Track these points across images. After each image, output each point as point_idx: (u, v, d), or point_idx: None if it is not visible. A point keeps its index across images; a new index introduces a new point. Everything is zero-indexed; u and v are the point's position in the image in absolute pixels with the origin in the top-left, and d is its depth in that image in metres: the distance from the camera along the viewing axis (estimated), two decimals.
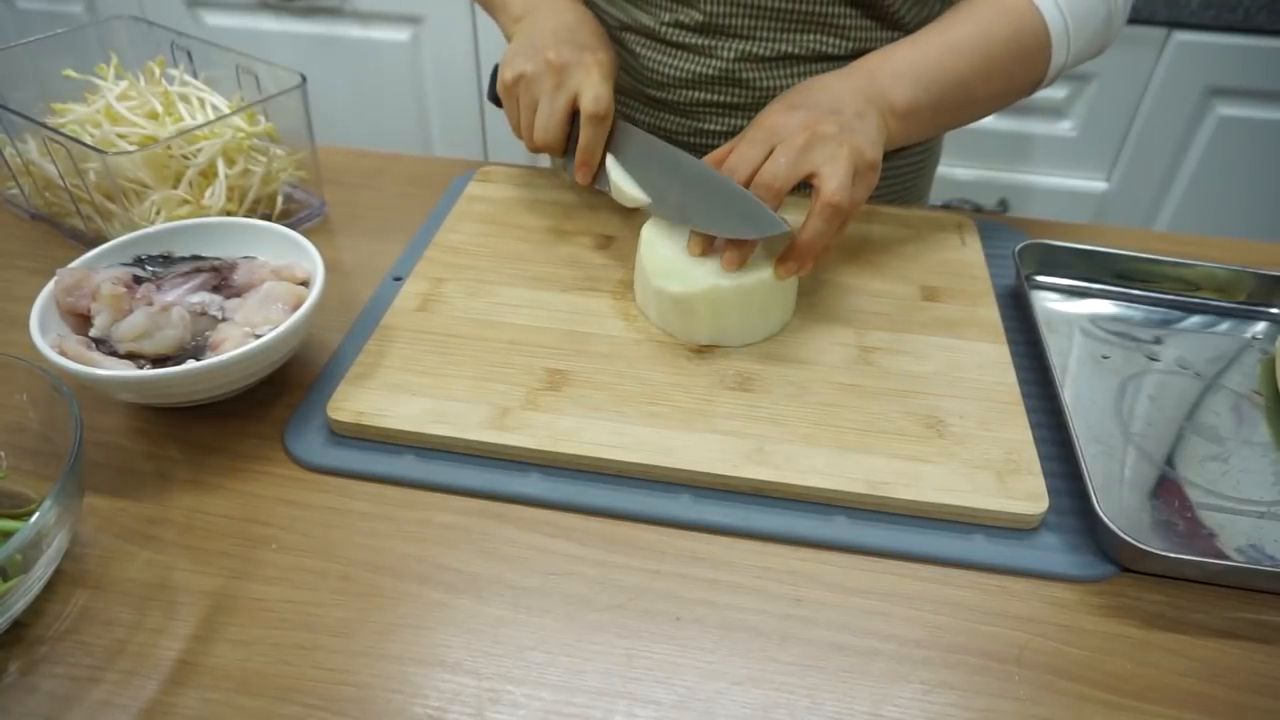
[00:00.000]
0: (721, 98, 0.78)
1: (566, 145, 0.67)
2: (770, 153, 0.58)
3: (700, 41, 0.75)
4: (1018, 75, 0.67)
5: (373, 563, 0.49)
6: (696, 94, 0.79)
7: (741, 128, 0.80)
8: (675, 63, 0.77)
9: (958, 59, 0.64)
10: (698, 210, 0.60)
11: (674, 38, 0.76)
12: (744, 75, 0.76)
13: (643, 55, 0.79)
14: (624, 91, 0.85)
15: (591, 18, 0.70)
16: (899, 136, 0.64)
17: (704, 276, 0.59)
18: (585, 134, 0.64)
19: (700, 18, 0.74)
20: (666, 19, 0.75)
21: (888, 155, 0.86)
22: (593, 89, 0.64)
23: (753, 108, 0.78)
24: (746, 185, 0.58)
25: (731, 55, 0.75)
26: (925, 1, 0.75)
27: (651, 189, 0.63)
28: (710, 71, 0.76)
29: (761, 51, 0.74)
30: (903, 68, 0.63)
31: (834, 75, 0.64)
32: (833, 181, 0.57)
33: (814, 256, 0.59)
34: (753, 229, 0.57)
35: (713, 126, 0.81)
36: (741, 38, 0.74)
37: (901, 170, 0.87)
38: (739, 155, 0.59)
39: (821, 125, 0.58)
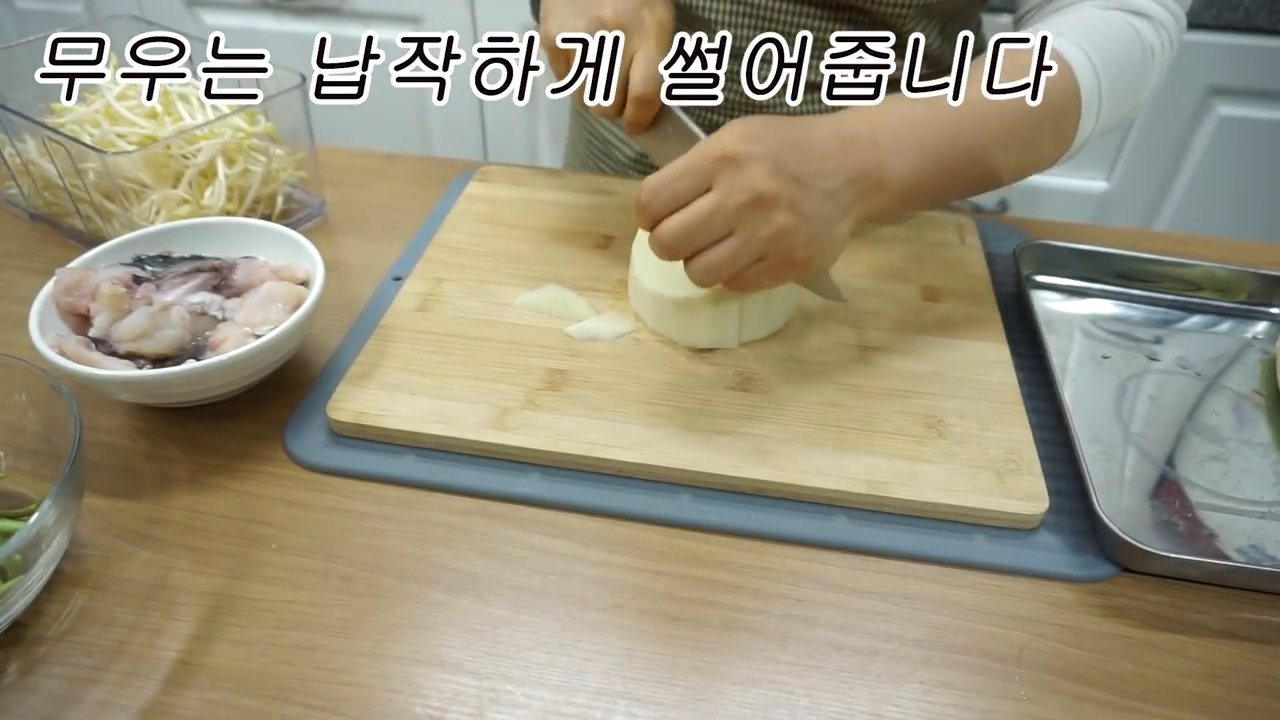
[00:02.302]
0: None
1: (623, 105, 0.60)
2: (712, 205, 0.50)
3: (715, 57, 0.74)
4: (1041, 143, 0.59)
5: (373, 563, 0.49)
6: (710, 105, 0.78)
7: None
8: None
9: (974, 125, 0.56)
10: None
11: None
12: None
13: None
14: None
15: None
16: (887, 213, 0.57)
17: None
18: (630, 111, 0.58)
19: (728, 35, 0.73)
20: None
21: None
22: (644, 65, 0.56)
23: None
24: (682, 253, 0.51)
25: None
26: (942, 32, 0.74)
27: None
28: (727, 97, 0.76)
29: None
30: (909, 135, 0.55)
31: (831, 129, 0.53)
32: (753, 275, 0.51)
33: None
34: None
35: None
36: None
37: None
38: (690, 215, 0.50)
39: (790, 211, 0.50)
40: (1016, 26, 0.63)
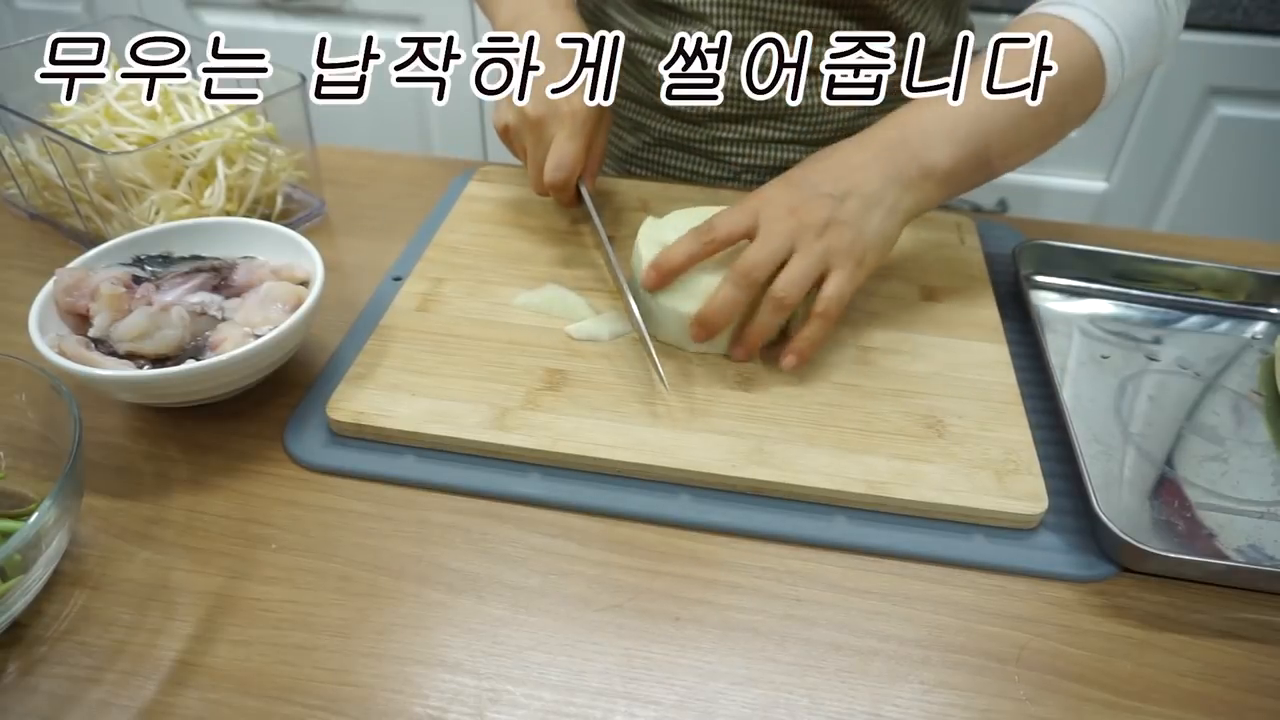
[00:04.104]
0: (735, 110, 0.78)
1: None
2: (762, 242, 0.56)
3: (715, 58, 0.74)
4: (1071, 105, 0.61)
5: (372, 563, 0.49)
6: (709, 105, 0.78)
7: (754, 136, 0.80)
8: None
9: (996, 103, 0.58)
10: None
11: None
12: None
13: (655, 67, 0.78)
14: (637, 100, 0.85)
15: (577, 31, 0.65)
16: (938, 198, 0.60)
17: (713, 287, 0.58)
18: (551, 194, 0.66)
19: (728, 35, 0.73)
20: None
21: None
22: (556, 153, 0.62)
23: (766, 118, 0.78)
24: (762, 289, 0.56)
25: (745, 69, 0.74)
26: (925, 10, 0.74)
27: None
28: (725, 84, 0.76)
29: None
30: (933, 125, 0.58)
31: (858, 144, 0.59)
32: (830, 289, 0.56)
33: (810, 352, 0.58)
34: None
35: (726, 134, 0.80)
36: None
37: None
38: (752, 258, 0.55)
39: (834, 222, 0.56)
40: None
